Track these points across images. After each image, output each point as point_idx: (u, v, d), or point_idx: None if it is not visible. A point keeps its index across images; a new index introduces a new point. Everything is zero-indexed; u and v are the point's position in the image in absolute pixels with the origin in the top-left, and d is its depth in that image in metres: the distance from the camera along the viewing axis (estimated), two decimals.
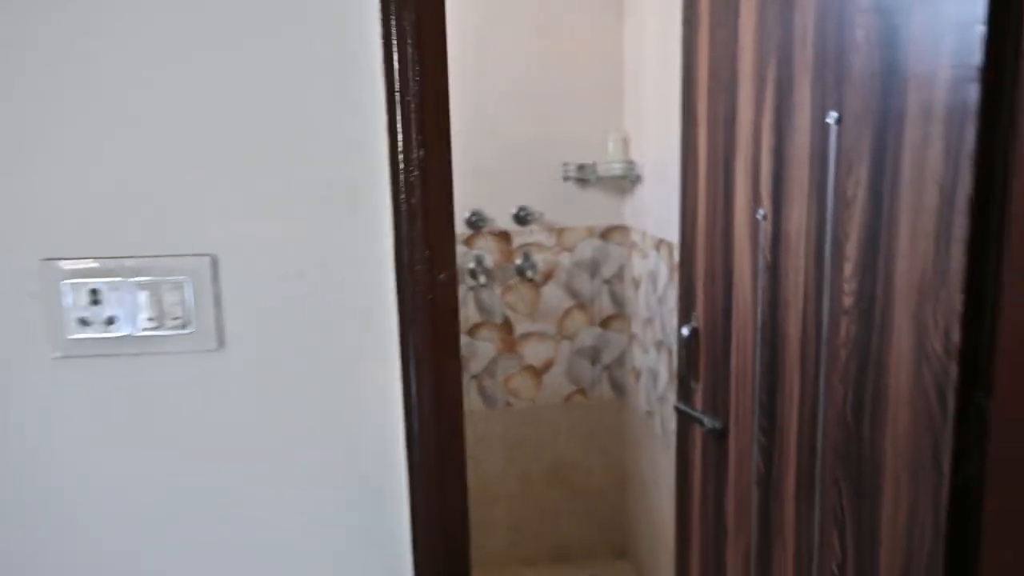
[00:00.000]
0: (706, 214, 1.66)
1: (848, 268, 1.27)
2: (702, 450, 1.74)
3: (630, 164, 2.84)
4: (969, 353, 1.08)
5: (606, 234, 2.97)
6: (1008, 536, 1.12)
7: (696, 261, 1.71)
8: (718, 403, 1.66)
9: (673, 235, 2.25)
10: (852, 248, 1.25)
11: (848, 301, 1.27)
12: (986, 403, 1.10)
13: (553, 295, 3.01)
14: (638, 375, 2.85)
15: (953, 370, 1.10)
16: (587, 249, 2.98)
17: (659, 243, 2.53)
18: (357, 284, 0.89)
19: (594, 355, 3.06)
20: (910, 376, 1.16)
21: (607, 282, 3.00)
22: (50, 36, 0.87)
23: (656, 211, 2.57)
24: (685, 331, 1.71)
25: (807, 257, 1.36)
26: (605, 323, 3.04)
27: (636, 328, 2.85)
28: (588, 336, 3.04)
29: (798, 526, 1.44)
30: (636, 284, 2.80)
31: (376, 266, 0.88)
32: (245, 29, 0.90)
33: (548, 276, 3.00)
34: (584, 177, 2.93)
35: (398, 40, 0.86)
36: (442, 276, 0.91)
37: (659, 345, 2.58)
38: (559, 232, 2.98)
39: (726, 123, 1.56)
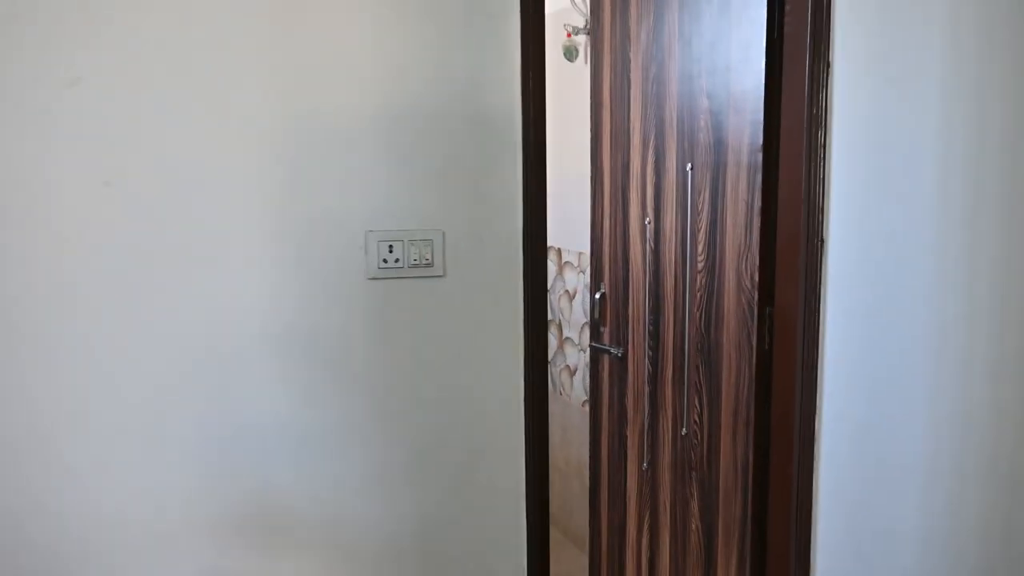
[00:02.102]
0: (610, 223, 2.68)
1: (700, 247, 2.33)
2: (609, 370, 2.75)
3: None
4: (763, 286, 2.16)
5: None
6: (784, 375, 2.20)
7: (603, 252, 2.73)
8: (620, 338, 2.68)
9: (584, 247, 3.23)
10: (701, 236, 2.32)
11: (700, 264, 2.33)
12: (770, 310, 2.18)
13: None
14: (573, 372, 3.74)
15: (755, 295, 2.17)
16: None
17: (579, 255, 3.46)
18: (506, 245, 1.79)
19: None
20: (734, 300, 2.23)
21: None
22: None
23: (574, 233, 3.39)
24: (597, 295, 2.73)
25: (675, 243, 2.41)
26: None
27: (570, 332, 3.73)
28: None
29: (673, 401, 2.48)
30: (571, 296, 3.68)
31: (513, 235, 1.79)
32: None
33: None
34: None
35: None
36: (539, 250, 1.82)
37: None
38: None
39: (623, 169, 2.60)
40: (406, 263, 1.70)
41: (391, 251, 1.68)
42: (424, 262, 1.71)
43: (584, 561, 3.22)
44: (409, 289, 1.72)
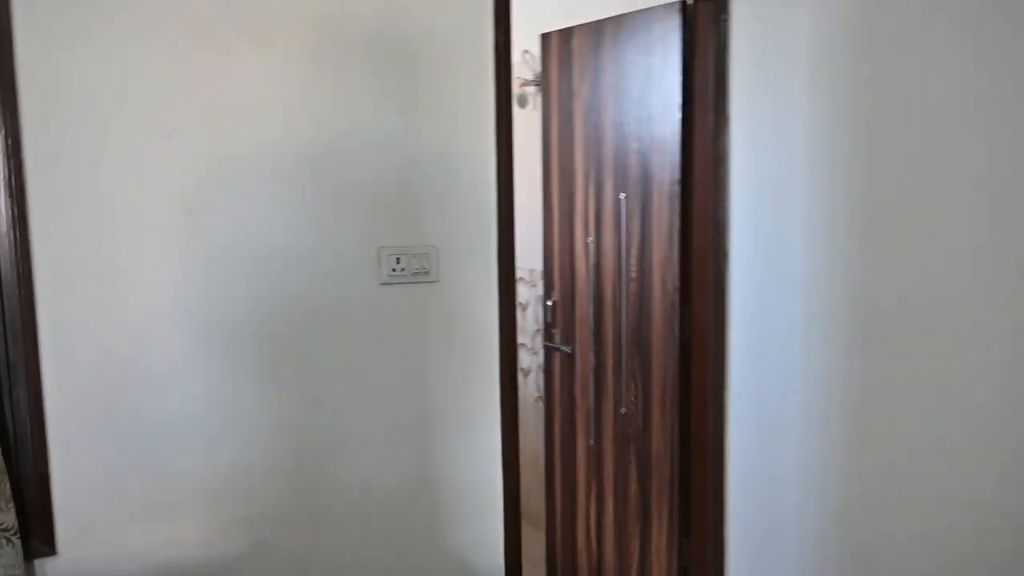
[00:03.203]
0: (559, 242, 3.24)
1: (632, 260, 2.90)
2: (560, 365, 3.29)
3: None
4: (683, 290, 2.74)
5: None
6: (700, 359, 2.77)
7: (554, 266, 3.28)
8: (569, 337, 3.23)
9: (535, 264, 3.79)
10: (634, 251, 2.89)
11: (633, 274, 2.90)
12: (688, 307, 2.76)
13: None
14: (527, 372, 4.25)
15: (676, 297, 2.75)
16: None
17: (531, 271, 4.00)
18: (485, 257, 2.32)
19: None
20: (660, 302, 2.80)
21: None
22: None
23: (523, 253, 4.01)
24: (549, 303, 3.27)
25: (613, 257, 2.98)
26: None
27: (524, 339, 4.24)
28: None
29: (614, 386, 3.04)
30: (523, 307, 4.20)
31: (490, 250, 2.31)
32: None
33: None
34: None
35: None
36: (510, 261, 2.36)
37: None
38: None
39: (569, 198, 3.16)
40: (409, 271, 2.21)
41: (398, 262, 2.19)
42: (423, 271, 2.23)
43: (541, 538, 3.73)
44: (410, 293, 2.23)
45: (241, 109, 2.01)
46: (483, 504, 2.45)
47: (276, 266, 2.07)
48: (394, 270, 2.20)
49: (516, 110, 3.70)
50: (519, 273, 4.08)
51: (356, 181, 2.15)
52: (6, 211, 1.77)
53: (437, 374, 2.31)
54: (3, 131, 1.76)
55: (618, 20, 2.87)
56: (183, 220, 1.96)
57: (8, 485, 1.79)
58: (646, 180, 2.82)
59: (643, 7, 2.78)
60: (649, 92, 2.78)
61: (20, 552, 1.80)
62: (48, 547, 1.87)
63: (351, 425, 2.21)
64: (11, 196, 1.77)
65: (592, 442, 3.16)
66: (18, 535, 1.80)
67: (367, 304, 2.19)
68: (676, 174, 2.71)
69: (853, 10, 2.17)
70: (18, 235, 1.78)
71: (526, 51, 3.60)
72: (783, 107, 2.41)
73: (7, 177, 1.76)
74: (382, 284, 2.20)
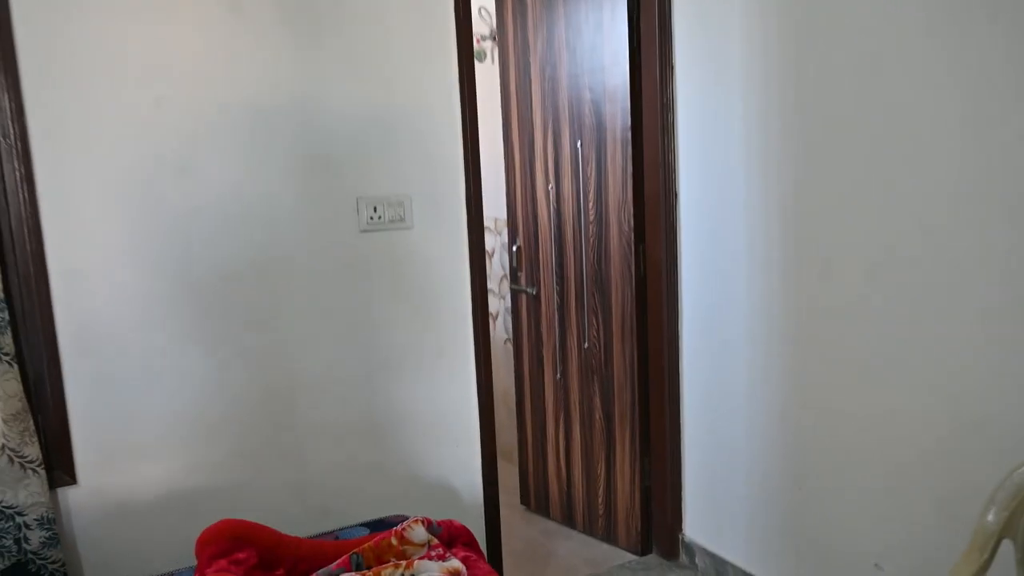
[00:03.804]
0: (521, 190, 3.43)
1: (590, 204, 3.11)
2: (526, 306, 3.51)
3: None
4: (637, 229, 2.95)
5: None
6: (655, 293, 3.01)
7: (517, 213, 3.47)
8: (534, 279, 3.44)
9: (499, 213, 3.98)
10: (591, 195, 3.10)
11: (591, 216, 3.11)
12: (643, 246, 2.98)
13: None
14: (495, 317, 4.44)
15: (632, 236, 2.97)
16: None
17: (495, 220, 4.18)
18: (454, 205, 2.50)
19: None
20: (617, 242, 3.02)
21: None
22: None
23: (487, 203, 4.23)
24: (514, 248, 3.48)
25: (572, 202, 3.18)
26: None
27: (491, 284, 4.41)
28: None
29: (577, 322, 3.26)
30: (490, 255, 4.38)
31: (458, 198, 2.50)
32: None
33: None
34: None
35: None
36: (477, 208, 2.56)
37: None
38: None
39: (529, 147, 3.35)
40: (386, 219, 2.40)
41: (375, 211, 2.37)
42: (398, 218, 2.41)
43: (513, 470, 3.98)
44: (388, 238, 2.42)
45: (220, 74, 2.16)
46: (461, 433, 2.67)
47: (264, 216, 2.24)
48: (371, 218, 2.39)
49: (475, 65, 3.86)
50: (486, 223, 4.27)
51: (334, 137, 2.32)
52: (17, 172, 1.92)
53: (414, 314, 2.51)
54: (7, 98, 1.90)
55: None
56: (171, 178, 2.12)
57: (32, 421, 1.96)
58: (600, 128, 3.02)
59: None
60: (600, 45, 2.96)
61: (45, 482, 1.98)
62: (69, 477, 2.06)
63: (335, 362, 2.40)
64: (18, 158, 1.91)
65: (558, 376, 3.39)
66: (42, 466, 1.98)
67: (348, 249, 2.37)
68: (627, 121, 2.91)
69: None
70: (26, 194, 1.93)
71: (482, 8, 3.75)
72: (721, 54, 2.61)
73: (14, 140, 1.91)
74: (362, 231, 2.39)
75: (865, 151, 2.19)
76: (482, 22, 3.81)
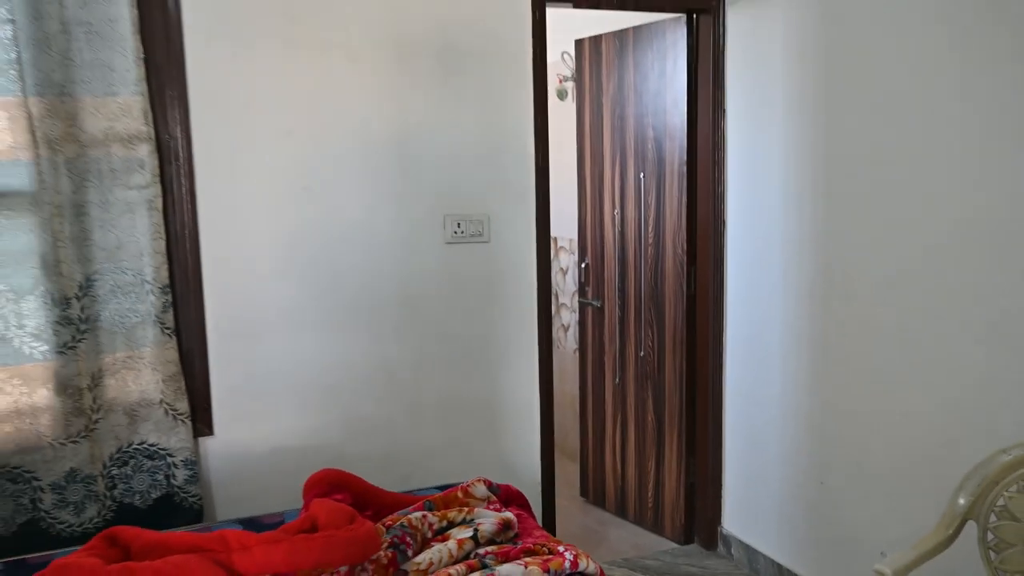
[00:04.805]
0: (591, 214, 3.87)
1: (649, 228, 3.51)
2: (591, 317, 3.92)
3: None
4: (689, 252, 3.35)
5: None
6: (703, 309, 3.38)
7: (587, 234, 3.91)
8: (599, 293, 3.86)
9: (575, 234, 4.42)
10: (651, 221, 3.51)
11: (650, 239, 3.52)
12: (694, 268, 3.37)
13: None
14: (566, 328, 4.88)
15: (684, 259, 3.36)
16: None
17: (570, 241, 4.62)
18: (526, 225, 2.94)
19: None
20: (671, 263, 3.42)
21: None
22: None
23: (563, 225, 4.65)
24: (583, 265, 3.91)
25: (634, 226, 3.60)
26: None
27: (564, 299, 4.86)
28: None
29: (635, 333, 3.66)
30: (564, 272, 4.82)
31: (529, 219, 2.95)
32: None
33: None
34: None
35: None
36: (545, 228, 3.01)
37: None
38: None
39: (599, 178, 3.78)
40: (467, 234, 2.87)
41: (459, 226, 2.85)
42: (478, 233, 2.88)
43: (575, 468, 4.38)
44: (469, 250, 2.89)
45: (339, 110, 2.68)
46: (525, 420, 3.10)
47: (366, 229, 2.75)
48: (455, 232, 2.86)
49: (557, 102, 4.33)
50: (561, 243, 4.71)
51: (426, 164, 2.81)
52: (183, 187, 2.47)
53: (487, 315, 2.97)
54: (180, 129, 2.46)
55: (638, 29, 3.47)
56: (298, 194, 2.65)
57: (183, 383, 2.50)
58: (660, 162, 3.43)
59: (658, 19, 3.38)
60: (663, 90, 3.38)
61: (190, 431, 2.52)
62: (208, 429, 2.59)
63: (421, 351, 2.88)
64: (185, 176, 2.47)
65: (617, 381, 3.79)
66: (189, 419, 2.52)
67: (435, 259, 2.85)
68: (684, 157, 3.31)
69: (814, 21, 2.75)
70: (189, 205, 2.49)
71: (565, 52, 4.21)
72: (765, 103, 2.99)
73: (183, 162, 2.47)
74: (447, 243, 2.87)
75: (879, 189, 2.54)
76: (564, 65, 4.27)
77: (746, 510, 3.29)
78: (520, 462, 3.10)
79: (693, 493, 3.50)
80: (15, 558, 2.25)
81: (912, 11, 2.40)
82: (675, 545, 3.54)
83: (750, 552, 3.24)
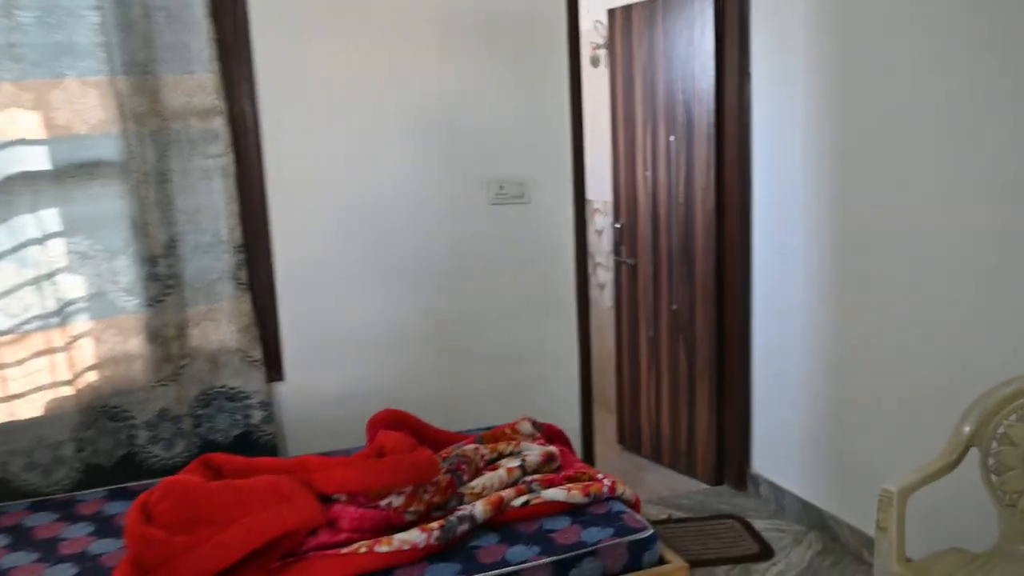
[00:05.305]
0: (624, 176, 4.07)
1: (680, 188, 3.71)
2: (626, 275, 4.14)
3: None
4: (718, 210, 3.54)
5: None
6: (731, 264, 3.58)
7: (621, 196, 4.11)
8: (633, 251, 4.07)
9: (607, 197, 4.63)
10: (681, 181, 3.70)
11: (681, 199, 3.72)
12: (723, 225, 3.56)
13: None
14: (603, 287, 5.11)
15: (713, 216, 3.56)
16: None
17: (604, 203, 4.83)
18: (563, 186, 3.17)
19: None
20: (701, 220, 3.62)
21: None
22: None
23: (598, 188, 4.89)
24: (617, 225, 4.12)
25: (665, 187, 3.79)
26: None
27: (600, 259, 5.06)
28: None
29: (667, 287, 3.88)
30: (599, 233, 5.03)
31: (566, 181, 3.17)
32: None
33: None
34: None
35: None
36: (580, 190, 3.22)
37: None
38: None
39: (631, 141, 3.98)
40: (509, 195, 3.09)
41: (502, 188, 3.08)
42: (519, 195, 3.11)
43: (612, 418, 4.63)
44: (511, 211, 3.12)
45: (390, 83, 2.90)
46: (564, 371, 3.35)
47: (417, 192, 2.99)
48: (498, 194, 3.09)
49: (590, 69, 4.52)
50: (596, 205, 4.92)
51: (471, 130, 3.04)
52: (253, 154, 2.73)
53: (529, 272, 3.20)
54: (248, 103, 2.71)
55: None
56: (355, 161, 2.89)
57: (257, 332, 2.78)
58: (689, 125, 3.62)
59: None
60: (691, 56, 3.56)
61: (264, 376, 2.80)
62: (278, 375, 2.87)
63: (469, 307, 3.13)
64: (255, 144, 2.73)
65: (651, 334, 4.02)
66: (263, 365, 2.80)
67: (480, 219, 3.09)
68: (712, 119, 3.50)
69: None
70: (259, 171, 2.75)
71: (598, 21, 4.39)
72: (787, 67, 3.17)
73: (253, 134, 2.72)
74: (491, 204, 3.10)
75: (892, 146, 2.72)
76: (596, 33, 4.45)
77: (773, 452, 3.51)
78: (560, 410, 3.34)
79: (723, 437, 3.72)
80: (117, 486, 2.57)
81: None
82: (707, 486, 3.77)
83: (777, 490, 3.47)
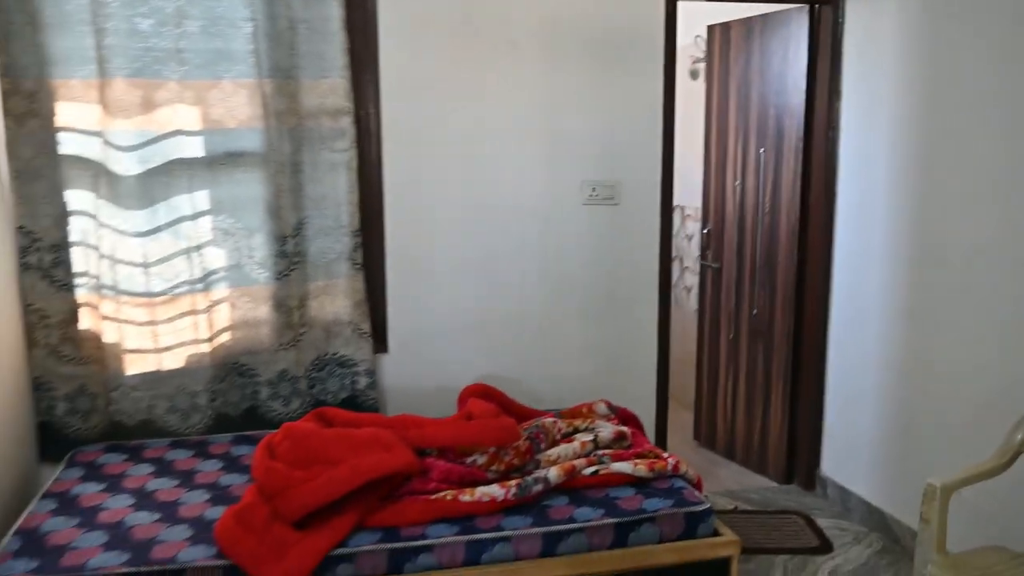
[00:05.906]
0: (714, 184, 4.26)
1: (767, 198, 3.89)
2: (711, 279, 4.34)
3: None
4: (802, 221, 3.71)
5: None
6: (813, 273, 3.74)
7: (710, 202, 4.31)
8: (718, 256, 4.26)
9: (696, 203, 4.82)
10: (768, 192, 3.88)
11: (767, 208, 3.89)
12: (805, 235, 3.73)
13: None
14: (689, 290, 5.31)
15: (797, 226, 3.73)
16: None
17: (696, 209, 5.01)
18: (651, 190, 3.45)
19: None
20: (785, 230, 3.79)
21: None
22: None
23: (691, 194, 5.06)
24: (705, 230, 4.32)
25: (753, 196, 3.98)
26: None
27: (688, 263, 5.26)
28: None
29: (749, 292, 4.06)
30: (689, 238, 5.23)
31: (655, 185, 3.41)
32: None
33: None
34: None
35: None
36: (668, 193, 3.46)
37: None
38: None
39: (723, 149, 4.17)
40: (601, 197, 3.36)
41: (594, 190, 3.34)
42: (610, 197, 3.37)
43: (690, 416, 4.82)
44: (601, 211, 3.39)
45: (499, 91, 3.21)
46: (644, 366, 3.59)
47: (518, 190, 3.29)
48: (590, 196, 3.36)
49: (690, 82, 4.73)
50: (687, 211, 5.12)
51: (570, 135, 3.32)
52: (375, 154, 3.09)
53: (615, 271, 3.46)
54: (373, 108, 3.07)
55: (764, 17, 3.83)
56: (463, 161, 3.21)
57: (367, 308, 3.14)
58: (779, 138, 3.79)
59: (783, 9, 3.73)
60: (785, 72, 3.73)
61: (371, 347, 3.15)
62: (383, 347, 3.22)
63: (558, 300, 3.41)
64: (376, 145, 3.08)
65: (731, 336, 4.20)
66: (371, 337, 3.15)
67: (574, 217, 3.37)
68: (801, 134, 3.66)
69: (924, 16, 3.05)
70: (377, 167, 3.10)
71: (698, 36, 4.59)
72: (876, 87, 3.32)
73: (374, 136, 3.08)
74: (583, 204, 3.37)
75: (970, 169, 2.85)
76: (696, 47, 4.66)
77: (842, 455, 3.65)
78: (636, 402, 3.55)
79: (795, 438, 3.88)
80: (241, 433, 2.97)
81: (1003, 15, 2.69)
82: (776, 484, 3.94)
83: (844, 492, 3.61)
